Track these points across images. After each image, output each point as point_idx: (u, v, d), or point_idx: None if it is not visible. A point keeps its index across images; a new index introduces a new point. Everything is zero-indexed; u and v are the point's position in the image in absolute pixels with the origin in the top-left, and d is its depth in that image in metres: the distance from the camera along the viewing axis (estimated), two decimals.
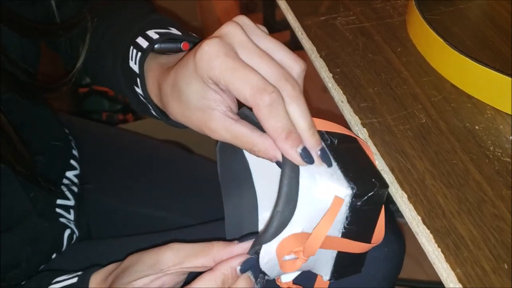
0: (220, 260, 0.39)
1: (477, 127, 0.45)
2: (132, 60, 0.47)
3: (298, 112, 0.36)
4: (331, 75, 0.51)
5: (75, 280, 0.46)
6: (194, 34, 0.49)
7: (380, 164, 0.43)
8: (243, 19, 0.38)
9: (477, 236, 0.37)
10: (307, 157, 0.36)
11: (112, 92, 1.35)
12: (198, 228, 0.64)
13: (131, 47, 0.47)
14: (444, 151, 0.43)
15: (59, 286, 0.46)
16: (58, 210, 0.63)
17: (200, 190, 0.74)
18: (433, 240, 0.37)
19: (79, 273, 0.47)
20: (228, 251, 0.39)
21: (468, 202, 0.40)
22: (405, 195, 0.40)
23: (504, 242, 0.37)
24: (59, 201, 0.63)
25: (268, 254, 0.38)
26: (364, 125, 0.46)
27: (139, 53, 0.46)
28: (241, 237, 0.41)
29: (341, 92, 0.49)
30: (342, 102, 0.48)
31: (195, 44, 0.47)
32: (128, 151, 0.79)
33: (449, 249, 0.37)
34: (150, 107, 0.48)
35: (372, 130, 0.45)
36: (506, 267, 0.36)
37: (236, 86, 0.35)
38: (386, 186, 0.39)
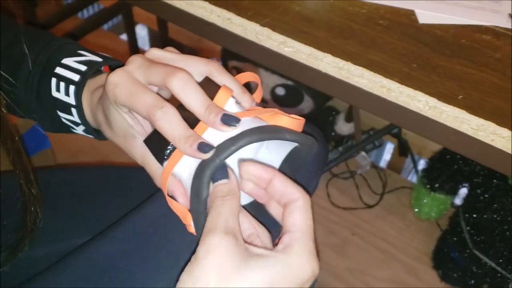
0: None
1: None
2: (59, 91, 0.48)
3: (188, 100, 0.38)
4: None
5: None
6: (106, 55, 0.50)
7: None
8: (151, 50, 0.42)
9: None
10: (203, 149, 0.37)
11: None
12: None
13: (53, 78, 0.48)
14: None
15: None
16: None
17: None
18: None
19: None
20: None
21: None
22: None
23: None
24: None
25: None
26: None
27: (72, 86, 0.48)
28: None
29: None
30: None
31: (116, 66, 0.49)
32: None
33: None
34: (81, 129, 0.50)
35: None
36: None
37: (136, 107, 0.38)
38: None
